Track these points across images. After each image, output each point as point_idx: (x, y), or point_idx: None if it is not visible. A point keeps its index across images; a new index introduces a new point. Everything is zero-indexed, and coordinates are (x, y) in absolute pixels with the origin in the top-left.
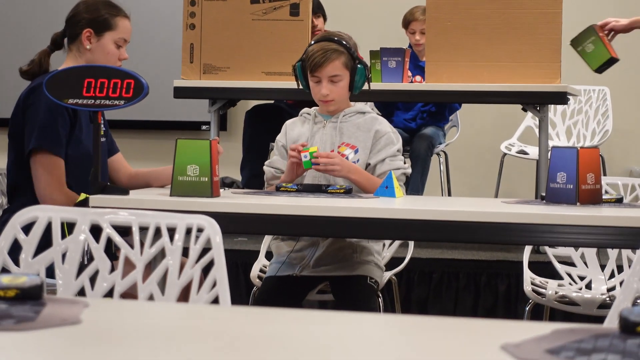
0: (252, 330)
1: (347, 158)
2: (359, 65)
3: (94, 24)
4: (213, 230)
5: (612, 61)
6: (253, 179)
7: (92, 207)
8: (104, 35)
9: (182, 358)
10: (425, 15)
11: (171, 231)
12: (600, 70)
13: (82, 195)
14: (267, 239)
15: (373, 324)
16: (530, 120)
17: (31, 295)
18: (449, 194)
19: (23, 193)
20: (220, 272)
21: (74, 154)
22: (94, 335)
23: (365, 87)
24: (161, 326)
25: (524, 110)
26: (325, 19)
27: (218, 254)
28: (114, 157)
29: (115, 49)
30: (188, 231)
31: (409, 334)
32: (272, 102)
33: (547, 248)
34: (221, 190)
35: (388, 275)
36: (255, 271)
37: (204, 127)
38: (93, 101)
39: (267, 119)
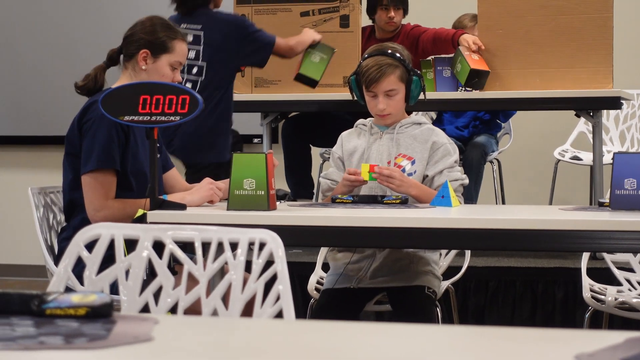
0: (321, 343)
1: (403, 169)
2: (414, 77)
3: (151, 45)
4: (276, 244)
5: (476, 73)
6: (299, 187)
7: (150, 222)
8: (160, 57)
9: None
10: (473, 21)
11: (232, 246)
12: (469, 85)
13: (140, 211)
14: (323, 250)
15: (442, 336)
16: (583, 125)
17: (101, 313)
18: (503, 202)
19: (81, 210)
20: (284, 285)
21: (131, 170)
22: (168, 352)
23: (421, 97)
24: (233, 341)
25: (577, 116)
26: (405, 13)
27: (281, 267)
28: (169, 173)
29: (170, 71)
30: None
31: (480, 345)
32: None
33: (604, 254)
34: (277, 203)
35: (445, 284)
36: (312, 283)
37: (255, 140)
38: (149, 117)
39: (303, 127)
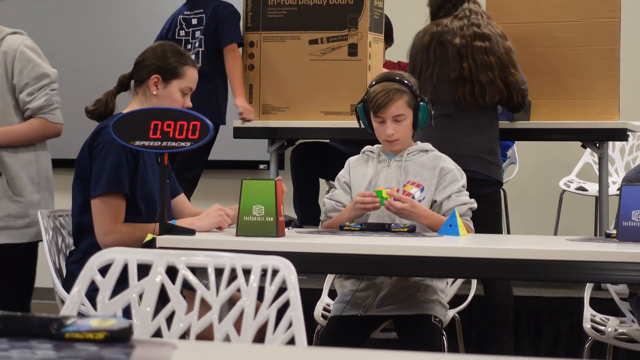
0: None
1: (413, 197)
2: (421, 103)
3: (162, 70)
4: (288, 271)
5: None
6: (307, 214)
7: (159, 247)
8: (171, 83)
9: None
10: None
11: (243, 272)
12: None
13: (149, 236)
14: (330, 277)
15: None
16: (588, 156)
17: (120, 338)
18: (508, 231)
19: (90, 234)
20: (296, 312)
21: (140, 194)
22: None
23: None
24: None
25: (583, 147)
26: (389, 44)
27: (294, 294)
28: (177, 199)
29: (180, 96)
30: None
31: None
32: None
33: (609, 285)
34: (286, 229)
35: (451, 313)
36: (319, 310)
37: (261, 167)
38: (160, 143)
39: (313, 154)
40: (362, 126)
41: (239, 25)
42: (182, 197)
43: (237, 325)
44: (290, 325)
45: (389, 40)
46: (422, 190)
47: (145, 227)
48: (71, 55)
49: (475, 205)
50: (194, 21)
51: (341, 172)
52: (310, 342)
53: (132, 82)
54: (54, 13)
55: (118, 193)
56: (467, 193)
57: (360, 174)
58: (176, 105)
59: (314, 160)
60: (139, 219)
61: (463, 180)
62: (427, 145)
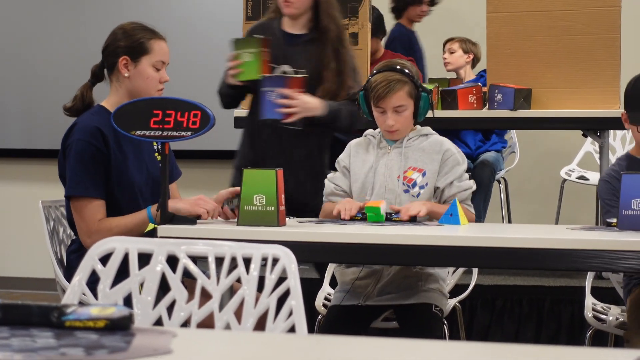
0: (334, 357)
1: (414, 182)
2: (422, 93)
3: (129, 50)
4: (289, 260)
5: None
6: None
7: (160, 236)
8: (141, 60)
9: None
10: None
11: (244, 261)
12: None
13: (150, 225)
14: (331, 266)
15: (453, 352)
16: (589, 145)
17: (120, 326)
18: (509, 221)
19: None
20: (296, 301)
21: (117, 189)
22: None
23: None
24: (251, 355)
25: (584, 135)
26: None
27: (294, 283)
28: (172, 184)
29: (154, 72)
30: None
31: None
32: None
33: (610, 274)
34: (287, 218)
35: (452, 302)
36: (320, 299)
37: None
38: (160, 132)
39: None
40: (363, 114)
41: None
42: (174, 185)
43: (238, 314)
44: (290, 314)
45: (382, 32)
46: (423, 175)
47: (123, 221)
48: (73, 44)
49: (474, 187)
50: None
51: (341, 155)
52: (311, 332)
53: (106, 71)
54: (49, 10)
55: (85, 196)
56: (467, 176)
57: (360, 159)
58: (151, 82)
59: None
60: (118, 212)
61: (464, 164)
62: (426, 129)
